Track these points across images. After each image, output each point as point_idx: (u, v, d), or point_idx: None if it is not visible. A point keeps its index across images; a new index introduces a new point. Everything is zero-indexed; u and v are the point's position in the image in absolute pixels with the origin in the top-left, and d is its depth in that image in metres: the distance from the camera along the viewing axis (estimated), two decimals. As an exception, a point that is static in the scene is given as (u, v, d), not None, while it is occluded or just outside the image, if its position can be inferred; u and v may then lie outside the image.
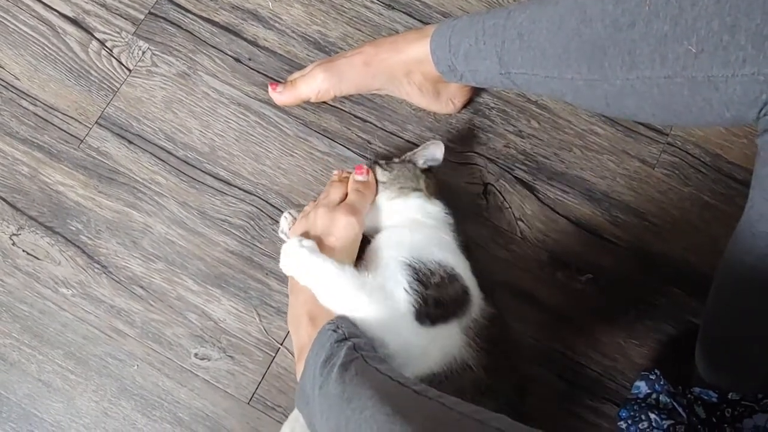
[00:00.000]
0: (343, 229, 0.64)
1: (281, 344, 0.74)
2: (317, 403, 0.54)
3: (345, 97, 0.79)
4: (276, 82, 0.79)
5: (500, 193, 0.78)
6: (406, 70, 0.71)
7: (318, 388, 0.54)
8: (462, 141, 0.79)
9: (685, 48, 0.44)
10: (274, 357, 0.74)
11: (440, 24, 0.68)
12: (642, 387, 0.67)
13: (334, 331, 0.58)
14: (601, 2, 0.49)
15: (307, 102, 0.77)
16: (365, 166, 0.69)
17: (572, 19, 0.52)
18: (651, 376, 0.67)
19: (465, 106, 0.79)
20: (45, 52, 0.82)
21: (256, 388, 0.73)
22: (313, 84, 0.74)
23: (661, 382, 0.66)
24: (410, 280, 0.59)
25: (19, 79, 0.81)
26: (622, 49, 0.48)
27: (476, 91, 0.79)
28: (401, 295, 0.59)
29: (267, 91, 0.78)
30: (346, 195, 0.68)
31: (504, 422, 0.41)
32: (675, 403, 0.64)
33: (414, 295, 0.58)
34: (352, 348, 0.55)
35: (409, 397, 0.47)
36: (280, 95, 0.76)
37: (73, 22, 0.83)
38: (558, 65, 0.54)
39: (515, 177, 0.78)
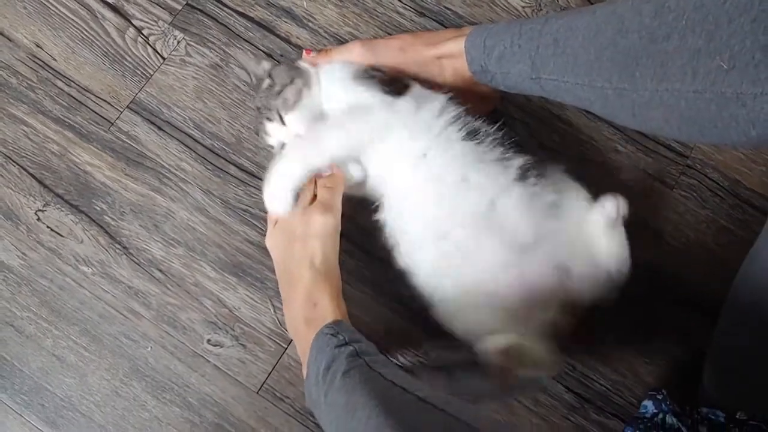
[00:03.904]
0: (320, 228, 0.65)
1: (293, 336, 0.75)
2: (324, 412, 0.55)
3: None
4: (311, 49, 0.79)
5: (519, 202, 0.79)
6: (439, 64, 0.72)
7: (323, 396, 0.55)
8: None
9: (717, 63, 0.44)
10: (286, 348, 0.75)
11: (478, 26, 0.69)
12: (649, 406, 0.68)
13: (333, 335, 0.58)
14: (639, 15, 0.50)
15: None
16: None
17: (609, 29, 0.53)
18: (658, 396, 0.67)
19: (490, 113, 0.80)
20: (83, 35, 0.84)
21: (266, 378, 0.74)
22: (347, 56, 0.74)
23: (668, 402, 0.66)
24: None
25: (56, 60, 0.83)
26: (655, 61, 0.49)
27: (501, 101, 0.81)
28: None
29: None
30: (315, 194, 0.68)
31: (511, 429, 0.42)
32: (680, 424, 0.64)
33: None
34: (354, 353, 0.55)
35: (414, 406, 0.48)
36: (313, 60, 0.76)
37: (113, 8, 0.85)
38: (589, 72, 0.55)
39: (535, 188, 0.79)
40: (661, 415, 0.66)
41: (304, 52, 0.77)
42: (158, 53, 0.84)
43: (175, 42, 0.84)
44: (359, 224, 0.73)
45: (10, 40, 0.84)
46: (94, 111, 0.82)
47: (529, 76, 0.62)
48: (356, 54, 0.74)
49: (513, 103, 0.82)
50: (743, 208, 0.79)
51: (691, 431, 0.64)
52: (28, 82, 0.83)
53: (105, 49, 0.84)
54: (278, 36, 0.84)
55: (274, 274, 0.76)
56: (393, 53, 0.74)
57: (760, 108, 0.44)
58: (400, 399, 0.49)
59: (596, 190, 0.79)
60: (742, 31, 0.43)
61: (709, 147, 0.80)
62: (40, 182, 0.80)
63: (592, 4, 0.85)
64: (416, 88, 0.69)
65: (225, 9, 0.85)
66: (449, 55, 0.70)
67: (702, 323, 0.74)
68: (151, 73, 0.83)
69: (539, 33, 0.60)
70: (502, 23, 0.67)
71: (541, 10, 0.84)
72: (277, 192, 0.65)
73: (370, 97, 0.67)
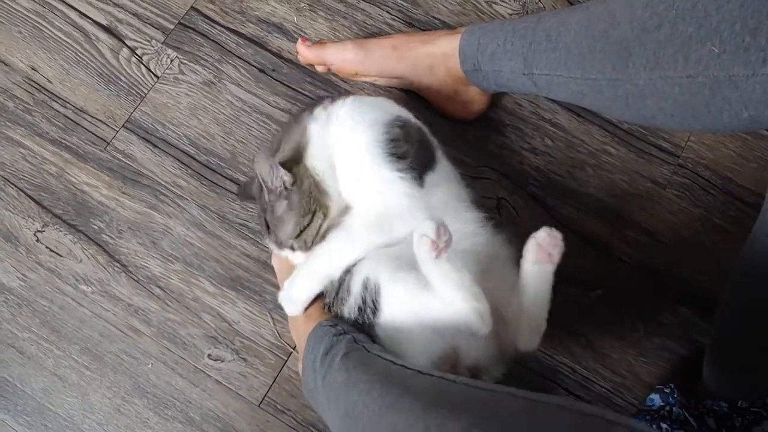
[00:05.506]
0: None
1: (294, 348, 0.75)
2: (322, 394, 0.55)
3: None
4: (306, 38, 0.81)
5: (513, 207, 0.79)
6: (431, 62, 0.73)
7: (321, 379, 0.55)
8: (476, 156, 0.81)
9: (708, 49, 0.45)
10: (286, 361, 0.75)
11: (473, 24, 0.70)
12: (656, 399, 0.68)
13: (332, 326, 0.59)
14: (630, 7, 0.51)
15: (327, 71, 0.81)
16: None
17: (601, 23, 0.54)
18: (666, 390, 0.68)
19: (478, 116, 0.80)
20: (78, 57, 0.85)
21: (267, 391, 0.74)
22: (341, 51, 0.77)
23: (675, 396, 0.67)
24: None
25: (51, 82, 0.84)
26: (648, 50, 0.50)
27: (491, 108, 0.81)
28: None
29: (289, 102, 0.81)
30: None
31: (511, 389, 0.42)
32: (687, 415, 0.65)
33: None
34: (353, 340, 0.56)
35: (415, 376, 0.48)
36: (307, 50, 0.79)
37: (106, 29, 0.86)
38: (582, 65, 0.56)
39: (528, 193, 0.80)
40: (667, 408, 0.67)
41: (299, 40, 0.80)
42: (152, 72, 0.85)
43: (169, 60, 0.85)
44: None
45: (5, 64, 0.85)
46: (90, 131, 0.83)
47: (521, 72, 0.63)
48: (348, 50, 0.76)
49: (504, 109, 0.82)
50: (736, 205, 0.79)
51: (699, 422, 0.64)
52: (25, 105, 0.84)
53: (99, 70, 0.85)
54: (270, 51, 0.85)
55: (273, 287, 0.77)
56: (385, 52, 0.75)
57: (752, 89, 0.45)
58: (401, 373, 0.49)
59: (590, 193, 0.80)
60: (731, 16, 0.44)
61: (700, 146, 0.81)
62: (38, 203, 0.81)
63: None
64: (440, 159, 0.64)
65: (217, 26, 0.86)
66: (442, 53, 0.71)
67: (699, 320, 0.75)
68: (146, 92, 0.84)
69: (533, 30, 0.61)
70: (496, 22, 0.68)
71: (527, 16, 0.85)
72: (294, 299, 0.63)
73: (403, 195, 0.59)
